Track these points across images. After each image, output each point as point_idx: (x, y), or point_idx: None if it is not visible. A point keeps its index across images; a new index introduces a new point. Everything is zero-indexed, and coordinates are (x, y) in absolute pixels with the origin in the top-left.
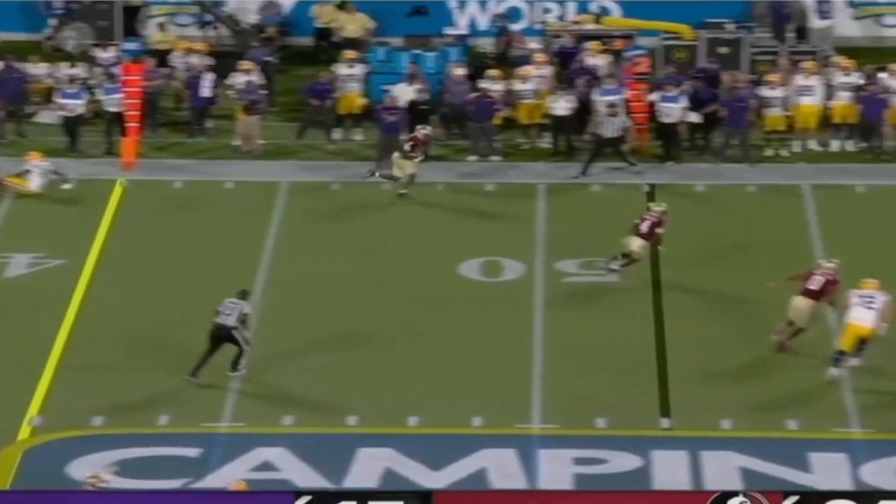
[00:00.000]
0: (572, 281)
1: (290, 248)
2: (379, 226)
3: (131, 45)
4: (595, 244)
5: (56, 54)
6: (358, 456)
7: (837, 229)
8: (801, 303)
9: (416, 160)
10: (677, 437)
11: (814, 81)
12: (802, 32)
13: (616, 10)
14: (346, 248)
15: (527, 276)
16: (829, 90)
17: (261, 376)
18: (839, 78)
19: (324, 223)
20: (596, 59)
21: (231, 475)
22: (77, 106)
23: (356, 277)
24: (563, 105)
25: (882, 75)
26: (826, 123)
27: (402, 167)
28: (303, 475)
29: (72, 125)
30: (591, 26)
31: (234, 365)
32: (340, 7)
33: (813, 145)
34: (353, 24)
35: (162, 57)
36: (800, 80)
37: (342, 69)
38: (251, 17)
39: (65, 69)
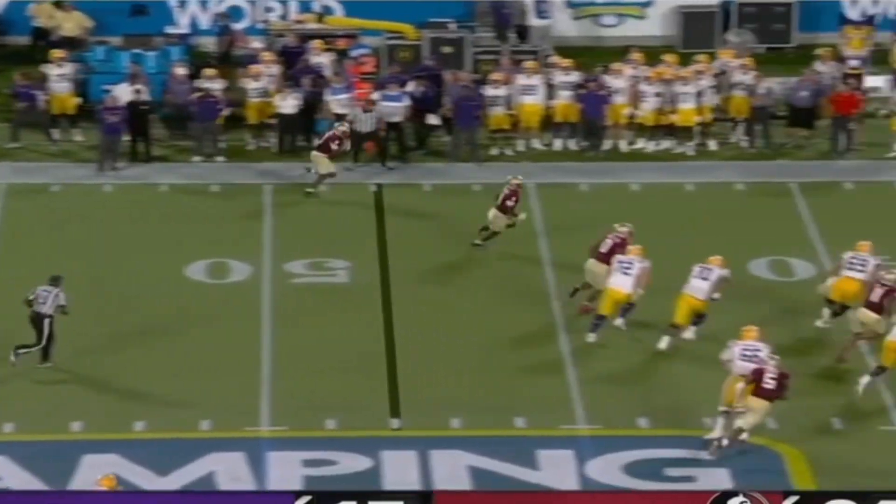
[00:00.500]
0: (301, 282)
1: (9, 251)
2: (102, 227)
3: None
4: (322, 244)
5: None
6: (83, 463)
7: (562, 226)
8: (594, 266)
9: (330, 157)
10: (407, 437)
11: (535, 80)
12: (524, 32)
13: (339, 10)
14: (68, 250)
15: (254, 277)
16: (551, 89)
17: None
18: (560, 77)
19: (43, 225)
20: (321, 58)
21: None
22: None
23: (79, 280)
24: (290, 104)
25: (604, 75)
26: (549, 122)
27: (319, 163)
28: (25, 483)
29: None
30: (314, 25)
31: (41, 356)
32: (57, 5)
33: (536, 144)
34: (71, 23)
35: None
36: (522, 79)
37: (51, 69)
38: None
39: None
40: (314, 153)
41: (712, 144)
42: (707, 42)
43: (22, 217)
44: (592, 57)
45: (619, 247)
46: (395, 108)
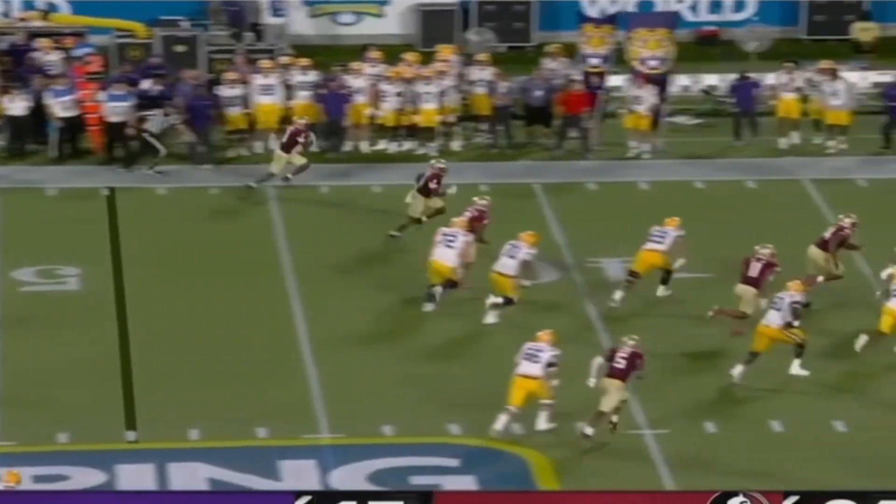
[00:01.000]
0: (29, 290)
1: None
2: None
3: None
4: (51, 251)
5: None
6: None
7: (302, 230)
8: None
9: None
10: (143, 449)
11: (272, 80)
12: (259, 31)
13: (65, 8)
14: None
15: None
16: (289, 89)
17: None
18: (298, 77)
19: None
20: (50, 56)
21: None
22: None
23: None
24: (19, 105)
25: (343, 75)
26: (288, 122)
27: (280, 161)
28: None
29: None
30: (39, 23)
31: None
32: None
33: (274, 145)
34: None
35: None
36: (259, 79)
37: None
38: None
39: None
40: (277, 152)
41: (455, 145)
42: (447, 41)
43: None
44: (330, 56)
45: (477, 220)
46: (118, 108)
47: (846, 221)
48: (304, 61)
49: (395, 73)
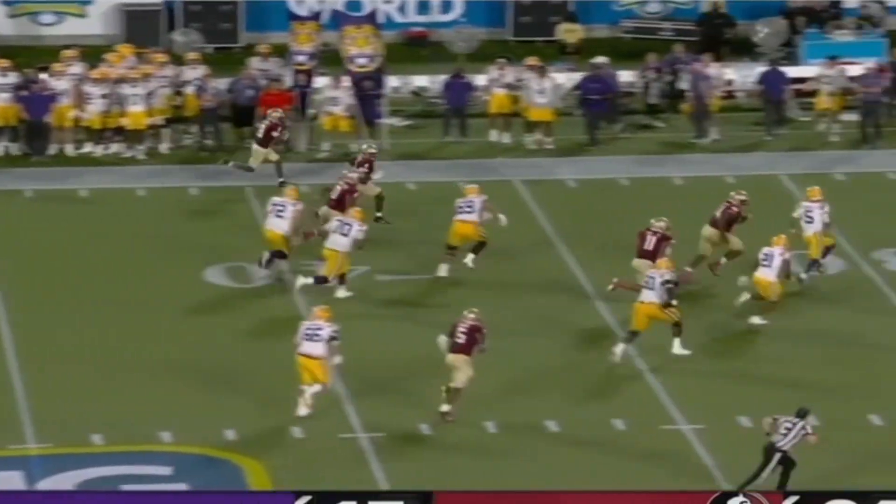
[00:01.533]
0: None
1: None
2: None
3: None
4: None
5: None
6: None
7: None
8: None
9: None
10: None
11: None
12: None
13: None
14: None
15: None
16: None
17: None
18: None
19: None
20: None
21: None
22: None
23: None
24: None
25: (43, 75)
26: None
27: (257, 156)
28: None
29: None
30: None
31: None
32: None
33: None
34: None
35: None
36: None
37: None
38: None
39: None
40: (254, 147)
41: (163, 147)
42: (152, 41)
43: None
44: (32, 57)
45: (348, 193)
46: None
47: (735, 199)
48: (4, 62)
49: (99, 74)
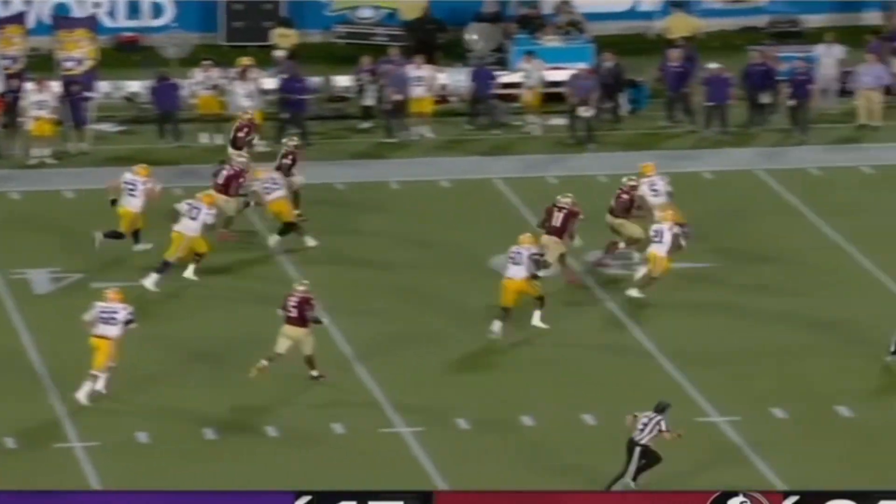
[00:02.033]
0: None
1: None
2: None
3: None
4: None
5: None
6: None
7: None
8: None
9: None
10: None
11: None
12: None
13: None
14: None
15: None
16: None
17: None
18: None
19: None
20: None
21: None
22: None
23: None
24: None
25: None
26: None
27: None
28: None
29: None
30: None
31: None
32: None
33: None
34: None
35: None
36: None
37: None
38: None
39: None
40: (230, 151)
41: None
42: None
43: None
44: None
45: (235, 178)
46: None
47: (627, 185)
48: None
49: None
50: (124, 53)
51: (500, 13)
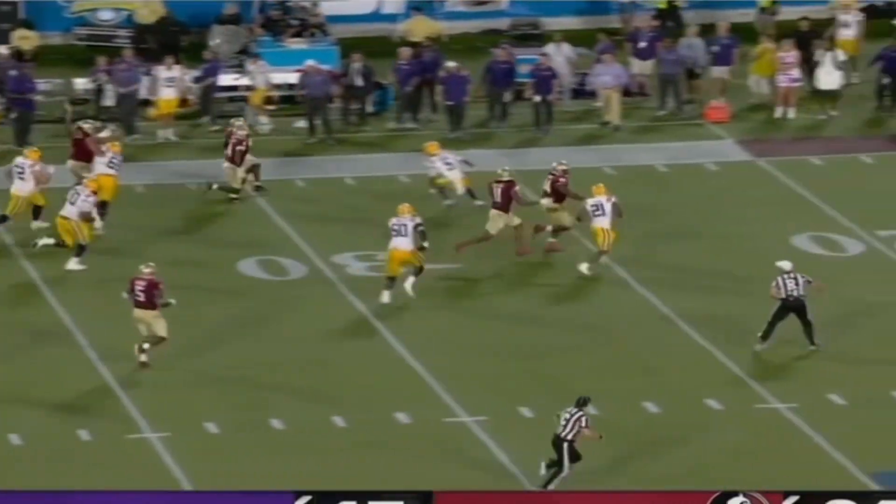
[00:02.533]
0: None
1: None
2: None
3: None
4: None
5: None
6: None
7: None
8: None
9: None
10: None
11: None
12: None
13: None
14: None
15: None
16: None
17: None
18: None
19: None
20: None
21: None
22: None
23: None
24: None
25: None
26: None
27: (233, 174)
28: None
29: None
30: None
31: None
32: None
33: None
34: None
35: None
36: None
37: None
38: None
39: None
40: (226, 165)
41: None
42: None
43: None
44: None
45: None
46: None
47: (558, 169)
48: None
49: None
50: None
51: (241, 15)
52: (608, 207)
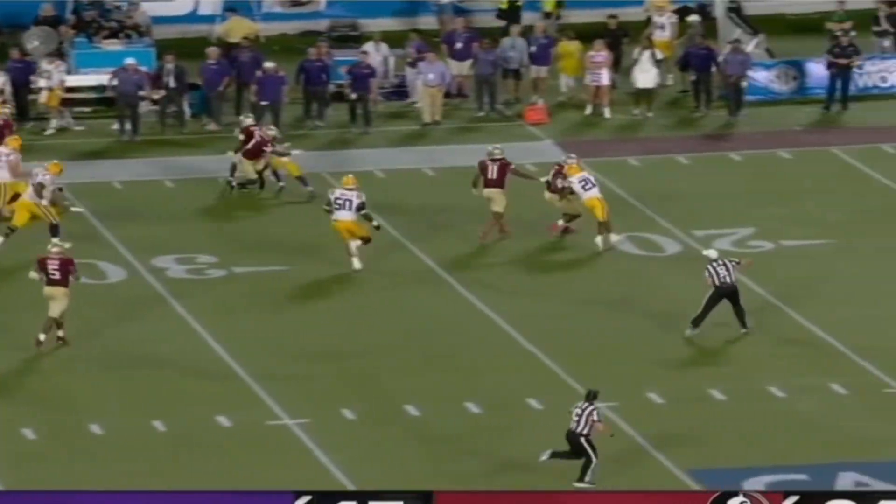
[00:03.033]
0: None
1: None
2: None
3: None
4: None
5: None
6: None
7: None
8: None
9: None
10: None
11: None
12: None
13: None
14: None
15: None
16: None
17: None
18: None
19: None
20: None
21: None
22: None
23: None
24: None
25: None
26: None
27: (245, 166)
28: None
29: None
30: None
31: None
32: None
33: None
34: None
35: None
36: None
37: None
38: None
39: None
40: (240, 157)
41: None
42: None
43: None
44: None
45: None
46: None
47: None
48: None
49: None
50: None
51: (59, 16)
52: (593, 179)
